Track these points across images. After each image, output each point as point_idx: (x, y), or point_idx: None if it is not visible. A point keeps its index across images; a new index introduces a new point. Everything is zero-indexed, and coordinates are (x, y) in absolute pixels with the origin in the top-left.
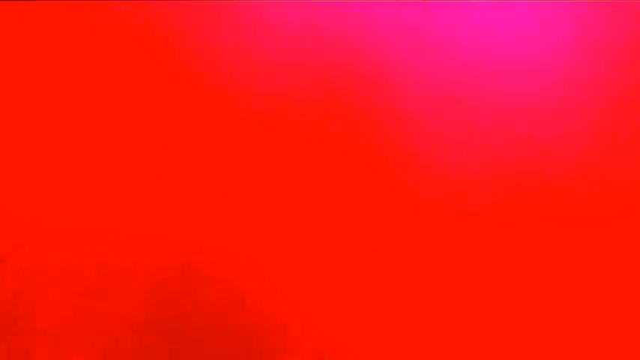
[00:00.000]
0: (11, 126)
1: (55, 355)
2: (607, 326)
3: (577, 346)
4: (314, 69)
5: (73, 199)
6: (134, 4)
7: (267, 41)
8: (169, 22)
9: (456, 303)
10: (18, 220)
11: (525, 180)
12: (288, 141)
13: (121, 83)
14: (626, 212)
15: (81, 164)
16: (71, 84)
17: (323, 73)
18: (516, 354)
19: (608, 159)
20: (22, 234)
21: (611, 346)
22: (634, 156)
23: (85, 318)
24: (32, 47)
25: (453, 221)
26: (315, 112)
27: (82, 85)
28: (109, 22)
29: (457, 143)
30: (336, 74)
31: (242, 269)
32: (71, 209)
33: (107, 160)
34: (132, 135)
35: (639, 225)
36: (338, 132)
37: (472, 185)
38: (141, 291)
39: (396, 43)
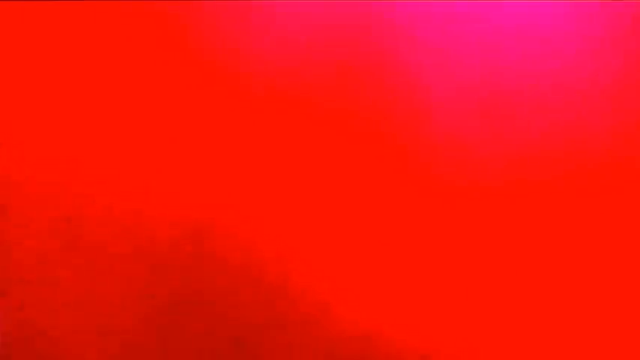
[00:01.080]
0: (12, 125)
1: (53, 314)
2: (617, 305)
3: (584, 334)
4: (327, 50)
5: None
6: (138, 3)
7: (278, 25)
8: (173, 13)
9: (467, 284)
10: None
11: (538, 164)
12: (301, 118)
13: (135, 68)
14: (633, 197)
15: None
16: (77, 78)
17: (335, 54)
18: (523, 330)
19: (616, 144)
20: (27, 181)
21: (617, 329)
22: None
23: (85, 284)
24: (32, 47)
25: (465, 203)
26: (328, 93)
27: (88, 79)
28: (111, 19)
29: (470, 127)
30: (349, 56)
31: (259, 237)
32: (77, 156)
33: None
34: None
35: None
36: (351, 113)
37: (483, 167)
38: (148, 255)
39: (411, 24)
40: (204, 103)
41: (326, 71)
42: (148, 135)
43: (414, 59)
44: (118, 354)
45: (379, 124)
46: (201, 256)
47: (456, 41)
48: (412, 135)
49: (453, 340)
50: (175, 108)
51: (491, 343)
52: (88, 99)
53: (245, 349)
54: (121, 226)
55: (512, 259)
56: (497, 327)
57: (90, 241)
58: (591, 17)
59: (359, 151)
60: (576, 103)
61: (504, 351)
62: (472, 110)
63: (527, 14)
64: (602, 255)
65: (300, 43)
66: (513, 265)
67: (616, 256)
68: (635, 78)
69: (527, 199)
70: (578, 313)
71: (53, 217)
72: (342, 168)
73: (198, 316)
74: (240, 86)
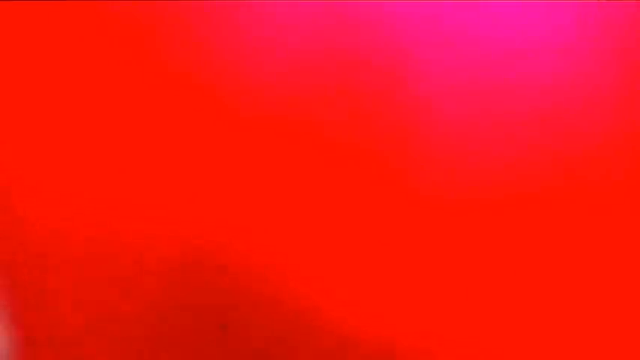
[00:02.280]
0: (14, 125)
1: (66, 335)
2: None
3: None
4: (319, 63)
5: (85, 188)
6: (135, 4)
7: (272, 38)
8: (172, 20)
9: (458, 299)
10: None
11: (531, 175)
12: (295, 136)
13: (129, 78)
14: (631, 207)
15: (89, 155)
16: (73, 82)
17: (327, 66)
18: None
19: (614, 155)
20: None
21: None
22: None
23: (96, 307)
24: (31, 47)
25: (456, 215)
26: (320, 108)
27: (84, 83)
28: (108, 22)
29: (462, 139)
30: (340, 67)
31: (256, 259)
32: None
33: (113, 149)
34: (148, 121)
35: None
36: (341, 128)
37: (476, 179)
38: (155, 276)
39: (401, 37)
40: (201, 123)
41: (322, 90)
42: (153, 154)
43: (404, 65)
44: None
45: (371, 135)
46: (205, 280)
47: (449, 45)
48: (406, 146)
49: (447, 344)
50: (180, 132)
51: (483, 357)
52: (88, 118)
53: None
54: (128, 246)
55: (508, 266)
56: (492, 341)
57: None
58: (592, 19)
59: (353, 162)
60: (575, 108)
61: None
62: (469, 119)
63: (525, 21)
64: (601, 262)
65: (296, 60)
66: (509, 274)
67: (613, 261)
68: (636, 80)
69: (525, 207)
70: (573, 320)
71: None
72: (338, 181)
73: (213, 334)
74: (235, 106)
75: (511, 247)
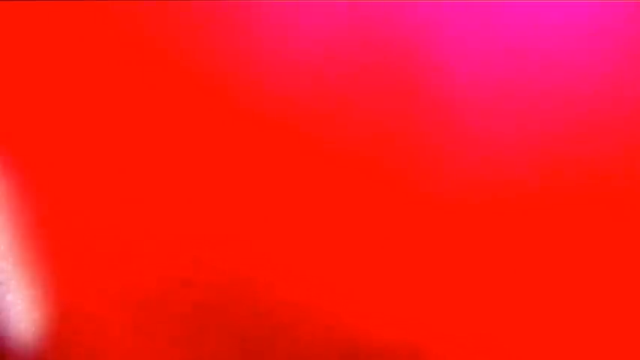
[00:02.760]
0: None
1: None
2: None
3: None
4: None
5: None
6: (134, 4)
7: (278, 38)
8: (174, 20)
9: (460, 299)
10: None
11: (535, 174)
12: (295, 139)
13: (130, 81)
14: (632, 208)
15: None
16: (72, 85)
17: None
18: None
19: (617, 155)
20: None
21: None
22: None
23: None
24: (32, 47)
25: (461, 215)
26: (320, 112)
27: (83, 85)
28: (109, 22)
29: (466, 139)
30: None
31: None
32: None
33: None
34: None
35: None
36: (345, 130)
37: (479, 179)
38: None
39: (403, 40)
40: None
41: (322, 94)
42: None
43: (408, 66)
44: None
45: (375, 136)
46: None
47: (454, 45)
48: (409, 148)
49: (442, 340)
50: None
51: (479, 353)
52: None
53: None
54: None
55: (512, 265)
56: (494, 341)
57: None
58: (596, 19)
59: (359, 165)
60: (580, 109)
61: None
62: (473, 119)
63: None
64: (604, 262)
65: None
66: (512, 273)
67: (616, 261)
68: (636, 79)
69: (528, 207)
70: (576, 317)
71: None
72: (333, 194)
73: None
74: (249, 115)
75: (514, 247)
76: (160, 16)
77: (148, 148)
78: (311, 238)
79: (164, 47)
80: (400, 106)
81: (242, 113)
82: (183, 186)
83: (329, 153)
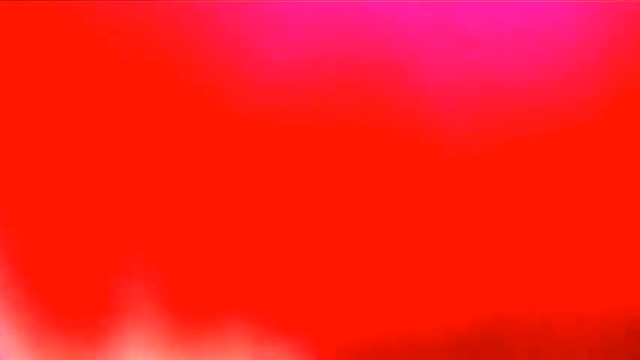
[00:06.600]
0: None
1: None
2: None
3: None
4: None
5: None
6: (132, 5)
7: (275, 39)
8: (173, 22)
9: (460, 252)
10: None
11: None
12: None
13: (124, 86)
14: (628, 153)
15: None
16: (70, 89)
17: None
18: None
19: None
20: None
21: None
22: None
23: None
24: (31, 47)
25: (453, 169)
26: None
27: (81, 90)
28: (109, 22)
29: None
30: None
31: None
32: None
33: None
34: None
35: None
36: (342, 128)
37: (473, 134)
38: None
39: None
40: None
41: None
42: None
43: (403, 64)
44: None
45: (372, 134)
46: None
47: (452, 39)
48: (405, 145)
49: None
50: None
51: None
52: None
53: None
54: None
55: (510, 223)
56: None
57: None
58: (592, 17)
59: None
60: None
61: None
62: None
63: (523, 17)
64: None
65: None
66: (508, 255)
67: (606, 214)
68: (636, 79)
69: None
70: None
71: None
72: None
73: None
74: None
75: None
76: (154, 18)
77: (150, 152)
78: (311, 238)
79: (156, 49)
80: (396, 104)
81: (242, 113)
82: (167, 184)
83: (332, 155)
